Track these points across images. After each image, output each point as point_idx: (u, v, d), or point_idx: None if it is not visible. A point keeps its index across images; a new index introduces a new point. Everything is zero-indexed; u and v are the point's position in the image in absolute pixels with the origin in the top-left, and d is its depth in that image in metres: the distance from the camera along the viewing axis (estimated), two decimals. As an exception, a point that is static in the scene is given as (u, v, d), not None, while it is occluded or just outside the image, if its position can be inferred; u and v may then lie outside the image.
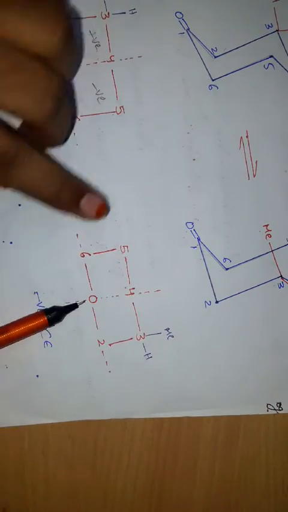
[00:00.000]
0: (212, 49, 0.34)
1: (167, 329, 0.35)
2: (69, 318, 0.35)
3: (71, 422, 0.36)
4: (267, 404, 0.36)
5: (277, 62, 0.35)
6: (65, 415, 0.36)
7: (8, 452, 0.36)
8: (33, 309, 0.35)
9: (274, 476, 0.37)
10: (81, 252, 0.35)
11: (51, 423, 0.36)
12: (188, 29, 0.34)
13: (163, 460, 0.36)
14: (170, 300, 0.35)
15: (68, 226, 0.34)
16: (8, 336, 0.33)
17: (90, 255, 0.35)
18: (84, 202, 0.31)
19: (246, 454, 0.37)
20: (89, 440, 0.36)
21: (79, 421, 0.36)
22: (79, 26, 0.34)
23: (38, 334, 0.35)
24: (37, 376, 0.35)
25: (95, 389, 0.35)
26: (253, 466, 0.37)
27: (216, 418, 0.36)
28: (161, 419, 0.36)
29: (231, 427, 0.36)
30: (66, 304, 0.34)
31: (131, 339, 0.35)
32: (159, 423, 0.36)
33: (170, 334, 0.35)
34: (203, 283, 0.35)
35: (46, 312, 0.34)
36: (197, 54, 0.34)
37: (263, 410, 0.36)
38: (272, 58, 0.35)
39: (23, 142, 0.29)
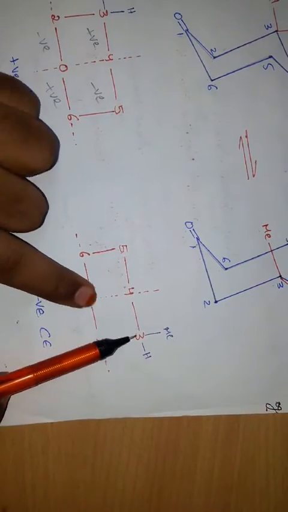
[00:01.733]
0: (211, 49, 0.34)
1: (166, 328, 0.35)
2: (68, 317, 0.35)
3: (71, 422, 0.36)
4: (267, 404, 0.36)
5: (276, 62, 0.35)
6: (65, 414, 0.36)
7: (8, 452, 0.36)
8: (33, 309, 0.35)
9: (274, 476, 0.37)
10: (80, 252, 0.35)
11: (51, 423, 0.36)
12: (187, 29, 0.34)
13: (163, 459, 0.36)
14: (169, 299, 0.35)
15: (67, 225, 0.34)
16: (62, 367, 0.34)
17: (89, 254, 0.35)
18: (78, 296, 0.34)
19: (246, 454, 0.37)
20: (89, 440, 0.36)
21: (79, 421, 0.36)
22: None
23: (38, 333, 0.35)
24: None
25: (95, 389, 0.35)
26: (253, 465, 0.37)
27: (216, 418, 0.36)
28: (161, 419, 0.36)
29: (230, 426, 0.36)
30: (117, 338, 0.35)
31: (131, 338, 0.35)
32: (158, 423, 0.36)
33: (169, 334, 0.35)
34: (202, 282, 0.35)
35: (98, 344, 0.34)
36: (196, 54, 0.34)
37: (262, 410, 0.36)
38: (271, 58, 0.35)
39: (24, 246, 0.32)
